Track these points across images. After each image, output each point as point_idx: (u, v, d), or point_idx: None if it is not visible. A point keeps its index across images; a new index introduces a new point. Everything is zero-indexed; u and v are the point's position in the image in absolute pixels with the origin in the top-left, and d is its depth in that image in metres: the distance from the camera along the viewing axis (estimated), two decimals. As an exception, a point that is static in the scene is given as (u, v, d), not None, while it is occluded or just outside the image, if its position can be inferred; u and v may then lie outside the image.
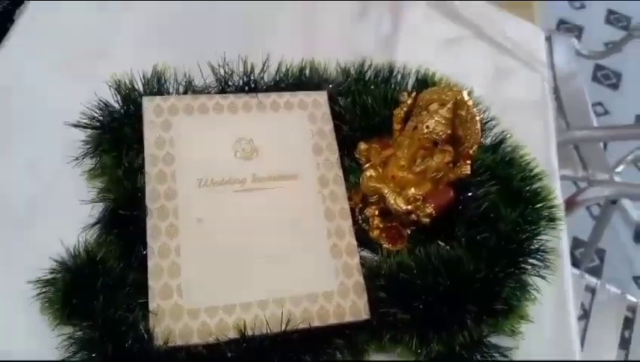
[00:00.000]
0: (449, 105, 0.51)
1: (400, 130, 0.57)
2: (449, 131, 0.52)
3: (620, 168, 1.43)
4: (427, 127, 0.52)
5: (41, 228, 0.56)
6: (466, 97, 0.51)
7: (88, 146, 0.60)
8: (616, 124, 1.70)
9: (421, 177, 0.55)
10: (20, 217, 0.57)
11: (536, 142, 0.69)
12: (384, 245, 0.57)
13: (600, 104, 1.86)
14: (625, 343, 1.05)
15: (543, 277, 0.52)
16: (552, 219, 0.54)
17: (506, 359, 0.49)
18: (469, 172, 0.53)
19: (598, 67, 1.96)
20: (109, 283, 0.49)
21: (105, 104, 0.61)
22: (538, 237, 0.53)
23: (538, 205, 0.54)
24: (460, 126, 0.53)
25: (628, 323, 1.10)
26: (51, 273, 0.51)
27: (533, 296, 0.51)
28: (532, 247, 0.52)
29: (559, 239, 0.55)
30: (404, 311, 0.48)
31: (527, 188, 0.56)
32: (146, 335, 0.47)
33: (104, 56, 0.70)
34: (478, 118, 0.51)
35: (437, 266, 0.49)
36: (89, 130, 0.60)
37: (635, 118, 1.84)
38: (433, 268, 0.49)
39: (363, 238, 0.57)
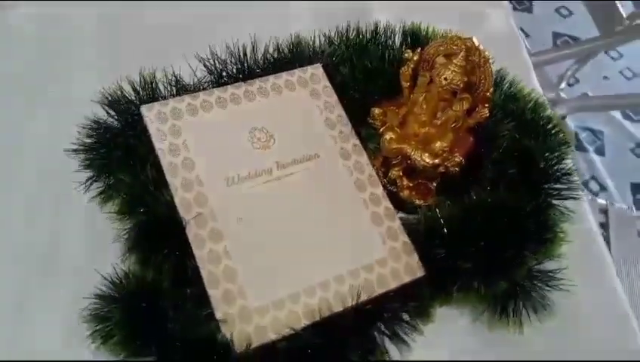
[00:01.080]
0: (462, 54, 0.52)
1: (410, 88, 0.58)
2: (465, 79, 0.53)
3: (562, 86, 1.52)
4: (445, 78, 0.52)
5: (66, 266, 0.53)
6: (476, 43, 0.52)
7: (93, 169, 0.56)
8: (553, 47, 1.78)
9: (443, 129, 0.56)
10: (44, 261, 0.53)
11: (518, 72, 0.72)
12: (417, 202, 0.58)
13: (520, 29, 1.95)
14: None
15: (574, 198, 0.55)
16: (567, 143, 0.57)
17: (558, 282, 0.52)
18: (487, 115, 0.55)
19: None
20: (170, 304, 0.47)
21: (99, 122, 0.57)
22: (561, 163, 0.56)
23: (554, 131, 0.57)
24: (472, 72, 0.54)
25: (603, 227, 1.19)
26: (100, 308, 0.48)
27: (568, 218, 0.55)
28: (559, 173, 0.55)
29: (571, 161, 0.59)
30: (466, 261, 0.49)
31: (540, 117, 0.58)
32: (224, 346, 0.46)
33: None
34: (490, 61, 0.53)
35: (485, 210, 0.51)
36: (88, 153, 0.56)
37: (553, 35, 1.94)
38: (481, 213, 0.51)
39: (392, 200, 0.58)
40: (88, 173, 0.56)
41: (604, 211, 1.18)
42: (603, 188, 1.64)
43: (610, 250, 1.13)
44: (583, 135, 1.72)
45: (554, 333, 0.54)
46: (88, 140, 0.56)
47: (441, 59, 0.55)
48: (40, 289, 0.52)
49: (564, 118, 1.44)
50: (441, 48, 0.55)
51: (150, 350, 0.46)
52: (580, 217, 0.60)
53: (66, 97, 0.63)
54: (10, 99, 0.63)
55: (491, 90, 0.54)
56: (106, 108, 0.57)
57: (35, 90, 0.63)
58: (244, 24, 0.64)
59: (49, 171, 0.58)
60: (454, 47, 0.53)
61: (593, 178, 1.66)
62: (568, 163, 0.56)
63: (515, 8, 2.02)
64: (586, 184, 1.66)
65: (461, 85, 0.53)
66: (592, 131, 1.73)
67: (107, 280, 0.49)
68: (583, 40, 1.51)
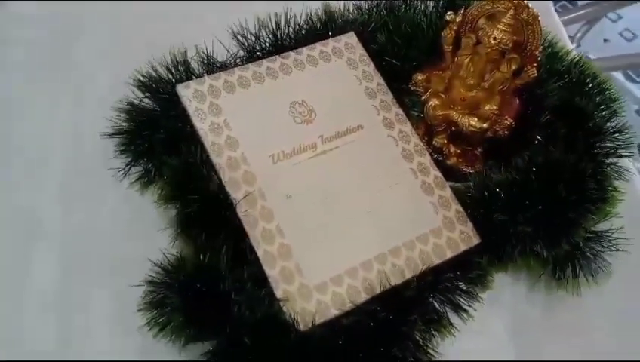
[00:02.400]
0: (511, 12, 0.50)
1: (452, 52, 0.56)
2: (515, 38, 0.51)
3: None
4: (494, 38, 0.50)
5: (113, 255, 0.52)
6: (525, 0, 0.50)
7: (130, 153, 0.55)
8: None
9: (490, 92, 0.54)
10: (83, 252, 0.52)
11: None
12: (465, 169, 0.57)
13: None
14: None
15: (629, 156, 0.54)
16: (616, 99, 0.56)
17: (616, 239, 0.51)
18: (536, 75, 0.53)
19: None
20: (230, 286, 0.46)
21: (133, 104, 0.55)
22: (613, 119, 0.54)
23: (604, 86, 0.56)
24: (519, 31, 0.52)
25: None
26: (156, 294, 0.47)
27: (623, 176, 0.54)
28: (611, 130, 0.53)
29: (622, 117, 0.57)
30: (526, 225, 0.48)
31: (586, 75, 0.56)
32: (286, 324, 0.45)
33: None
34: (539, 18, 0.51)
35: (541, 172, 0.49)
36: (125, 137, 0.55)
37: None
38: (537, 175, 0.49)
39: (439, 169, 0.57)
40: (125, 159, 0.55)
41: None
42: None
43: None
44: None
45: (611, 296, 0.53)
46: (125, 124, 0.54)
47: (483, 20, 0.53)
48: (81, 279, 0.51)
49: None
50: (487, 8, 0.53)
51: (209, 334, 0.45)
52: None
53: (89, 83, 0.61)
54: (32, 88, 0.61)
55: (540, 48, 0.52)
56: (141, 89, 0.55)
57: (55, 77, 0.61)
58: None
59: (79, 160, 0.56)
60: (501, 6, 0.51)
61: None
62: (621, 120, 0.55)
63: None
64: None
65: (510, 45, 0.51)
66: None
67: (159, 266, 0.48)
68: (586, 3, 1.48)
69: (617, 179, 0.53)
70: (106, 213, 0.54)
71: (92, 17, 0.65)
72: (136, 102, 0.56)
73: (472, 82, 0.54)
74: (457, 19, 0.54)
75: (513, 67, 0.53)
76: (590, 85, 0.56)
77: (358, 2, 0.64)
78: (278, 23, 0.59)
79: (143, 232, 0.53)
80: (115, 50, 0.63)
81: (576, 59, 0.59)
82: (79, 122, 0.58)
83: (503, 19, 0.50)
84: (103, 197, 0.54)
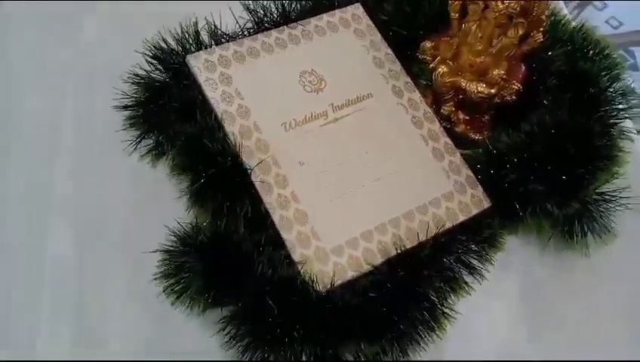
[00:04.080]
0: (518, -24, 0.51)
1: (459, 19, 0.56)
2: (522, 2, 0.52)
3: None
4: (502, 2, 0.51)
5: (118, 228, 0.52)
6: (531, -37, 0.51)
7: (141, 125, 0.54)
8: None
9: (497, 58, 0.55)
10: (96, 224, 0.52)
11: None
12: (472, 136, 0.58)
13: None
14: None
15: (631, 118, 0.55)
16: (619, 64, 0.57)
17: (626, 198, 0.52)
18: (542, 39, 0.54)
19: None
20: (249, 250, 0.46)
21: (143, 76, 0.55)
22: (617, 81, 0.55)
23: (606, 52, 0.56)
24: (526, -5, 0.53)
25: None
26: (174, 262, 0.47)
27: (630, 137, 0.55)
28: (617, 92, 0.55)
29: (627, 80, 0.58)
30: (538, 184, 0.49)
31: (590, 41, 0.57)
32: (305, 286, 0.46)
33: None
34: (545, -19, 0.51)
35: (550, 133, 0.50)
36: (137, 109, 0.55)
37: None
38: (546, 136, 0.50)
39: (449, 136, 0.57)
40: (135, 131, 0.55)
41: None
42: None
43: None
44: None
45: (619, 257, 0.54)
46: (136, 96, 0.54)
47: (492, -14, 0.54)
48: (97, 252, 0.51)
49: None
50: (493, -26, 0.53)
51: (230, 296, 0.45)
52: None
53: (100, 56, 0.60)
54: (42, 63, 0.60)
55: (547, 12, 0.53)
56: (151, 60, 0.55)
57: (66, 53, 0.61)
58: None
59: (91, 132, 0.56)
60: (506, -29, 0.52)
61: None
62: (624, 83, 0.56)
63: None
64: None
65: (518, 9, 0.52)
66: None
67: (175, 235, 0.48)
68: None
69: (622, 140, 0.54)
70: (119, 185, 0.54)
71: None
72: (145, 73, 0.55)
73: (480, 48, 0.54)
74: (464, -14, 0.55)
75: (520, 32, 0.53)
76: (593, 51, 0.57)
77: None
78: (285, -6, 0.59)
79: (158, 203, 0.53)
80: (125, 22, 0.62)
81: (578, 27, 0.60)
82: (90, 95, 0.57)
83: (511, -16, 0.51)
84: (116, 170, 0.54)
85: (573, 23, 0.62)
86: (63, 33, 0.62)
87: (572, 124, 0.51)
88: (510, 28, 0.53)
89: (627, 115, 0.55)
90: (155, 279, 0.48)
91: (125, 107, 0.54)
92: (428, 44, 0.57)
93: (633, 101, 0.55)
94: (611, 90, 0.55)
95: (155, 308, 0.48)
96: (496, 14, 0.52)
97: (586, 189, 0.50)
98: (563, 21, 0.61)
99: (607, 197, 0.53)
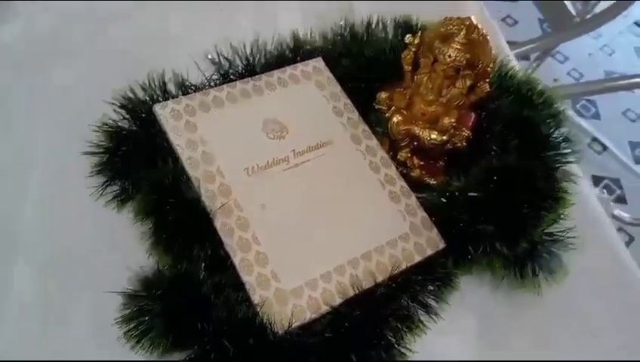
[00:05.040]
0: (463, 33, 0.55)
1: (412, 72, 0.60)
2: (468, 56, 0.56)
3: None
4: (449, 56, 0.55)
5: (96, 270, 0.53)
6: (475, 21, 0.55)
7: (107, 172, 0.56)
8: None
9: (448, 107, 0.58)
10: (61, 264, 0.53)
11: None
12: (427, 181, 0.61)
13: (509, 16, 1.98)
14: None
15: (576, 161, 0.59)
16: (562, 113, 0.61)
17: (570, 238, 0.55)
18: (489, 89, 0.58)
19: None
20: (208, 292, 0.47)
21: (112, 125, 0.57)
22: (560, 128, 0.59)
23: (548, 102, 0.61)
24: (473, 49, 0.57)
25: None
26: (134, 305, 0.48)
27: (572, 180, 0.58)
28: (559, 138, 0.58)
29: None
30: (487, 225, 0.52)
31: (531, 90, 0.62)
32: (262, 329, 0.47)
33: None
34: (488, 37, 0.56)
35: (498, 177, 0.53)
36: (103, 155, 0.56)
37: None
38: (495, 179, 0.53)
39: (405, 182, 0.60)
40: (102, 177, 0.56)
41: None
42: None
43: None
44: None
45: (571, 293, 0.57)
46: (103, 143, 0.56)
47: (439, 41, 0.58)
48: (61, 294, 0.51)
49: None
50: (441, 30, 0.57)
51: (189, 339, 0.46)
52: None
53: (68, 104, 0.62)
54: (11, 104, 0.62)
55: (491, 65, 0.57)
56: (119, 109, 0.57)
57: (34, 100, 0.63)
58: (234, 26, 0.66)
59: (58, 176, 0.57)
60: (453, 28, 0.56)
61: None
62: (565, 130, 0.60)
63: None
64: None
65: (464, 62, 0.56)
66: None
67: (138, 278, 0.49)
68: (530, 39, 1.57)
69: (566, 182, 0.58)
70: (84, 230, 0.55)
71: (71, 40, 0.68)
72: (113, 122, 0.58)
73: (431, 98, 0.58)
74: (416, 42, 0.59)
75: (468, 83, 0.57)
76: (537, 100, 0.61)
77: (324, 31, 0.69)
78: (251, 49, 0.63)
79: (121, 248, 0.54)
80: (94, 73, 0.65)
81: (525, 78, 0.64)
82: (58, 141, 0.59)
83: (457, 39, 0.55)
84: (81, 215, 0.55)
85: (520, 74, 0.67)
86: (33, 78, 0.64)
87: (518, 167, 0.54)
88: (458, 79, 0.57)
89: (571, 159, 0.59)
90: (117, 322, 0.48)
91: (92, 153, 0.56)
92: (383, 94, 0.61)
93: (575, 146, 0.59)
94: (555, 136, 0.59)
95: (118, 351, 0.48)
96: (444, 67, 0.56)
97: (533, 230, 0.53)
98: (510, 73, 0.66)
99: (555, 237, 0.56)
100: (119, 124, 0.57)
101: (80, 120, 0.57)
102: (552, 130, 0.59)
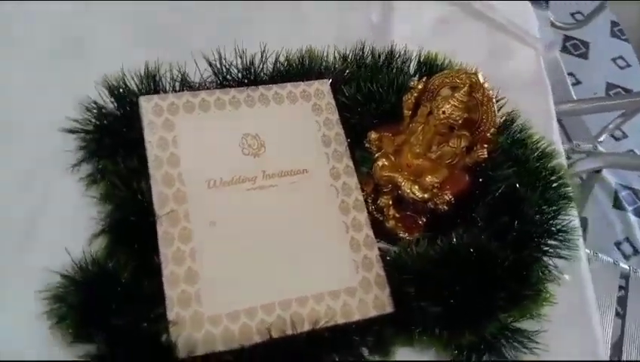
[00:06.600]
0: (465, 89, 0.50)
1: (411, 117, 0.56)
2: (465, 115, 0.51)
3: (602, 138, 1.46)
4: (443, 112, 0.50)
5: (43, 241, 0.53)
6: (481, 79, 0.50)
7: (84, 151, 0.57)
8: (598, 97, 1.73)
9: (437, 164, 0.53)
10: (20, 230, 0.54)
11: (538, 119, 0.68)
12: (400, 234, 0.56)
13: (572, 74, 1.88)
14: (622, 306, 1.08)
15: (566, 258, 0.52)
16: (568, 198, 0.54)
17: (534, 343, 0.49)
18: (486, 156, 0.52)
19: (567, 38, 1.98)
20: (124, 295, 0.46)
21: (99, 106, 0.57)
22: (558, 218, 0.52)
23: (555, 184, 0.54)
24: (474, 109, 0.52)
25: (621, 291, 1.12)
26: (60, 288, 0.48)
27: (556, 278, 0.51)
28: (553, 228, 0.52)
29: (573, 217, 0.55)
30: (434, 304, 0.47)
31: (543, 167, 0.55)
32: (167, 347, 0.45)
33: (85, 55, 0.66)
34: (494, 99, 0.50)
35: (462, 255, 0.48)
36: (84, 134, 0.57)
37: (606, 86, 1.87)
38: (458, 256, 0.48)
39: (378, 229, 0.56)
40: (80, 155, 0.57)
41: (626, 277, 1.11)
42: (637, 251, 1.56)
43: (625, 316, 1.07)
44: (622, 193, 1.64)
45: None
46: (84, 123, 0.57)
47: (445, 91, 0.53)
48: (14, 262, 0.53)
49: (598, 171, 1.37)
50: (447, 80, 0.52)
51: (94, 336, 0.45)
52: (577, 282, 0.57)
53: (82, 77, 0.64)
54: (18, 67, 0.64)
55: (492, 130, 0.51)
56: (107, 94, 0.57)
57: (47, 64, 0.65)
58: (262, 33, 0.64)
59: (48, 144, 0.59)
60: (459, 81, 0.51)
61: (627, 239, 1.58)
62: (568, 219, 0.53)
63: (570, 53, 1.96)
64: (618, 245, 1.58)
65: (460, 121, 0.50)
66: (634, 191, 1.65)
67: (74, 262, 0.50)
68: (634, 92, 1.44)
69: (550, 281, 0.51)
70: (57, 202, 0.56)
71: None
72: (103, 105, 0.58)
73: (418, 150, 0.53)
74: (419, 86, 0.54)
75: (463, 144, 0.52)
76: (545, 178, 0.54)
77: (345, 51, 0.66)
78: (252, 57, 0.61)
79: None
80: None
81: (539, 150, 0.57)
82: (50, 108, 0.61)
83: (456, 95, 0.50)
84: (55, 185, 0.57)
85: (542, 143, 0.59)
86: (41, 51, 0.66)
87: (488, 250, 0.48)
88: (453, 138, 0.52)
89: (562, 254, 0.52)
90: (45, 299, 0.49)
91: (70, 131, 0.56)
92: (374, 135, 0.57)
93: (575, 241, 0.52)
94: (550, 224, 0.52)
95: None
96: (437, 122, 0.51)
97: (486, 323, 0.47)
98: (527, 140, 0.59)
99: (518, 336, 0.50)
100: (108, 108, 0.58)
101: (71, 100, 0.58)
102: (549, 216, 0.52)
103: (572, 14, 1.99)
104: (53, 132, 0.58)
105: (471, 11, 0.83)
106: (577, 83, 1.87)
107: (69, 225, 0.54)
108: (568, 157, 1.38)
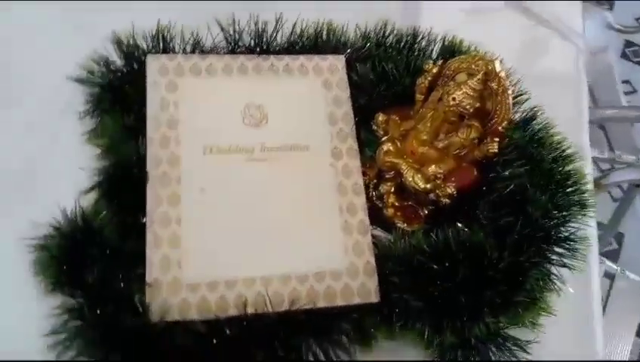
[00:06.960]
0: (479, 76, 0.47)
1: (423, 102, 0.53)
2: (477, 104, 0.47)
3: (645, 150, 1.37)
4: (453, 98, 0.47)
5: (39, 190, 0.53)
6: (498, 68, 0.46)
7: (89, 105, 0.56)
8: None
9: (443, 153, 0.50)
10: (17, 179, 0.54)
11: (567, 119, 0.64)
12: (399, 224, 0.54)
13: (628, 82, 1.78)
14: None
15: (570, 268, 0.48)
16: (582, 206, 0.50)
17: (524, 353, 0.46)
18: (496, 150, 0.49)
19: (628, 43, 1.87)
20: (105, 252, 0.46)
21: (106, 60, 0.57)
22: (567, 225, 0.48)
23: (569, 189, 0.50)
24: (489, 99, 0.48)
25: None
26: (46, 237, 0.48)
27: (557, 288, 0.48)
28: (560, 235, 0.48)
29: (588, 227, 0.51)
30: (418, 298, 0.44)
31: (559, 170, 0.51)
32: (141, 309, 0.45)
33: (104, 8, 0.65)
34: (509, 91, 0.47)
35: (455, 251, 0.45)
36: (90, 86, 0.57)
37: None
38: (451, 252, 0.45)
39: (376, 216, 0.54)
40: (85, 108, 0.57)
41: (611, 276, 1.06)
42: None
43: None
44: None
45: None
46: (90, 78, 0.56)
47: (461, 77, 0.50)
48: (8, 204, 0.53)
49: (639, 185, 1.29)
50: (463, 65, 0.49)
51: (70, 289, 0.45)
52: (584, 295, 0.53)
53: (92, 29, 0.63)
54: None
55: (504, 124, 0.48)
56: (116, 49, 0.57)
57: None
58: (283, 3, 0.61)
59: (56, 93, 0.59)
60: (475, 67, 0.48)
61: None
62: (580, 227, 0.49)
63: (629, 59, 1.86)
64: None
65: (471, 110, 0.47)
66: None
67: (65, 214, 0.49)
68: None
69: (547, 290, 0.47)
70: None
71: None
72: (112, 60, 0.58)
73: (424, 137, 0.50)
74: (434, 70, 0.51)
75: (472, 135, 0.49)
76: (558, 182, 0.51)
77: (366, 28, 0.63)
78: (265, 24, 0.58)
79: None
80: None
81: (557, 151, 0.53)
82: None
83: (469, 82, 0.47)
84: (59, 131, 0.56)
85: (563, 144, 0.55)
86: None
87: (483, 250, 0.45)
88: (463, 127, 0.49)
89: (566, 263, 0.48)
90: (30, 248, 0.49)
91: (77, 81, 0.56)
92: (381, 117, 0.54)
93: (582, 251, 0.48)
94: (556, 230, 0.48)
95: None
96: (446, 109, 0.48)
97: (471, 325, 0.44)
98: (547, 139, 0.55)
99: (507, 342, 0.47)
100: (117, 63, 0.57)
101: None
102: (557, 222, 0.48)
103: (637, 19, 1.88)
104: (64, 84, 0.58)
105: (510, 2, 0.78)
106: (633, 91, 1.77)
107: (69, 178, 0.54)
108: (612, 167, 1.31)
